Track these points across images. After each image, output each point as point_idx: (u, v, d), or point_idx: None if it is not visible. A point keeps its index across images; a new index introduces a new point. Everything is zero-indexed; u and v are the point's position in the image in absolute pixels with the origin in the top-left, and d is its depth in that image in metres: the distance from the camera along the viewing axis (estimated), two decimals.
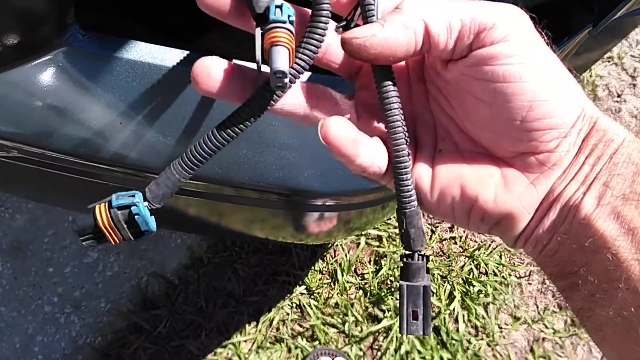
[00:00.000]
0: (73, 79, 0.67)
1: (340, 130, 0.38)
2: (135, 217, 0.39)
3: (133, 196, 0.40)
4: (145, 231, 0.40)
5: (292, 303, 1.65)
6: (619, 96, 2.01)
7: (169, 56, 0.67)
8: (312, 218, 0.94)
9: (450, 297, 1.65)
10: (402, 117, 0.41)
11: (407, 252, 0.42)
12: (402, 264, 0.43)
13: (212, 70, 0.37)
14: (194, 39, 1.07)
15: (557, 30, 0.84)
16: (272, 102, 0.39)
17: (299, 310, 1.65)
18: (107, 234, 0.39)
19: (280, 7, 0.37)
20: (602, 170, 0.37)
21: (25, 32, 0.63)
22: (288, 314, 1.64)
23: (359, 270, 1.69)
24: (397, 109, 0.41)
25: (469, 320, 1.64)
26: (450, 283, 1.67)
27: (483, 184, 0.40)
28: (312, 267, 1.68)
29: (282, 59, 0.36)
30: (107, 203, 0.39)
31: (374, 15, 0.39)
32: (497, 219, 0.41)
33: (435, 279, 1.67)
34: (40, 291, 1.66)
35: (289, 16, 0.37)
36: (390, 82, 0.40)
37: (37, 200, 1.58)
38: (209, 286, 1.66)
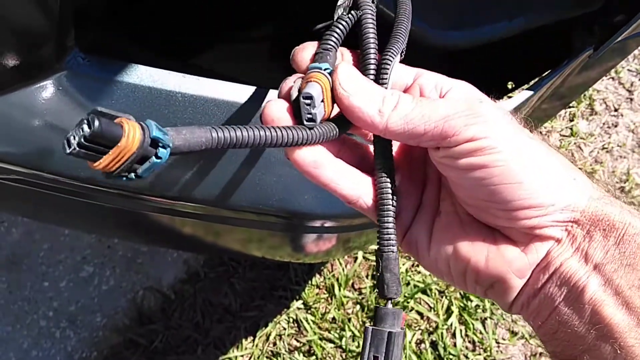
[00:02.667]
0: (73, 102, 0.67)
1: (304, 150, 0.42)
2: (153, 160, 0.33)
3: (165, 134, 0.33)
4: (137, 177, 0.34)
5: (289, 318, 1.65)
6: (616, 110, 2.02)
7: (169, 80, 0.67)
8: (311, 239, 0.94)
9: (448, 312, 1.65)
10: (392, 164, 0.45)
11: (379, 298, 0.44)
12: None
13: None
14: (192, 57, 1.06)
15: (558, 53, 0.84)
16: (302, 136, 0.40)
17: (295, 325, 1.64)
18: (113, 155, 0.32)
19: (319, 66, 0.42)
20: (608, 256, 0.38)
21: (26, 54, 0.63)
22: (285, 329, 1.63)
23: (357, 284, 1.69)
24: (385, 153, 0.44)
25: (467, 335, 1.63)
26: (448, 298, 1.66)
27: (475, 246, 0.42)
28: (309, 282, 1.68)
29: (313, 88, 0.40)
30: (143, 127, 0.33)
31: (386, 79, 0.43)
32: (491, 282, 0.42)
33: (434, 294, 1.66)
34: (35, 305, 1.65)
35: (326, 69, 0.42)
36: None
37: (32, 218, 1.57)
38: (206, 301, 1.65)
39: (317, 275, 1.69)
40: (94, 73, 0.67)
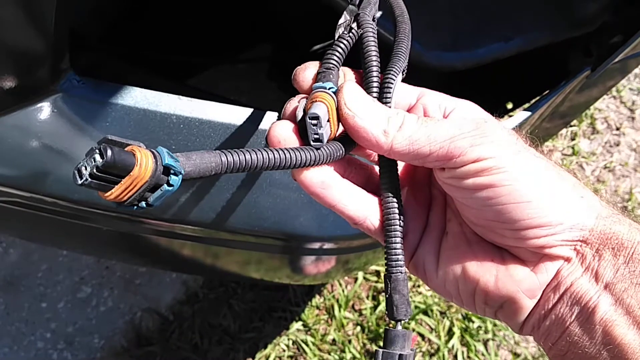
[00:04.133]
0: (69, 124, 0.66)
1: (312, 171, 0.41)
2: (165, 188, 0.32)
3: (176, 161, 0.33)
4: (148, 205, 0.33)
5: (288, 339, 1.63)
6: (617, 129, 2.02)
7: (164, 102, 0.66)
8: (309, 261, 0.93)
9: (450, 334, 1.63)
10: (398, 184, 0.44)
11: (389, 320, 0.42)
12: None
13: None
14: (190, 78, 1.07)
15: (556, 73, 0.84)
16: (307, 156, 0.40)
17: (295, 346, 1.63)
18: (125, 185, 0.31)
19: (323, 86, 0.41)
20: (619, 275, 0.38)
21: (21, 77, 0.63)
22: (284, 351, 1.61)
23: (357, 306, 1.67)
24: (391, 174, 0.44)
25: (469, 357, 1.61)
26: (450, 319, 1.64)
27: (484, 266, 0.42)
28: (309, 303, 1.66)
29: (319, 108, 0.39)
30: (155, 155, 0.32)
31: (390, 98, 0.43)
32: (500, 303, 0.42)
33: (435, 315, 1.65)
34: (33, 327, 1.64)
35: (330, 88, 0.41)
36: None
37: (29, 240, 1.56)
38: (204, 322, 1.63)
39: (317, 296, 1.68)
40: (89, 95, 0.66)
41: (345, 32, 0.47)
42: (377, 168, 0.46)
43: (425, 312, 1.65)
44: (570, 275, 0.39)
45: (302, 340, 1.61)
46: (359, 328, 1.64)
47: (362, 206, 0.43)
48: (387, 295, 0.43)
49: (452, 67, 0.78)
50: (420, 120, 0.40)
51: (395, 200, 0.43)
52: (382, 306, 1.64)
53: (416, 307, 1.64)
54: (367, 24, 0.47)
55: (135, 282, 1.69)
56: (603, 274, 0.38)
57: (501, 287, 0.41)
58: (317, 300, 1.67)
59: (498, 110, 0.96)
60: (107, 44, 0.90)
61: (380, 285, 1.68)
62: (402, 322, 0.42)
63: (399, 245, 0.43)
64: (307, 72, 0.44)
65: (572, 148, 1.98)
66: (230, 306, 1.65)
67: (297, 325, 1.64)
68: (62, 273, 1.69)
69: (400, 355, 0.41)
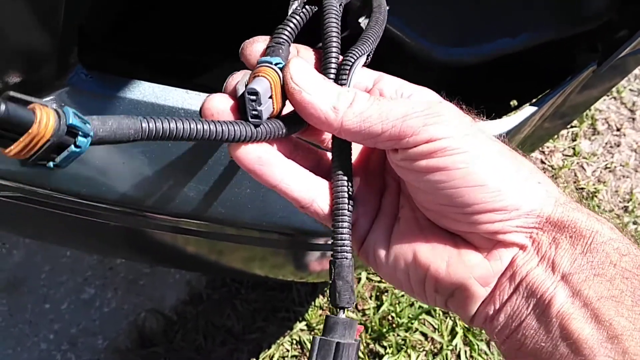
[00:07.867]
0: None
1: (249, 146, 0.39)
2: (71, 149, 0.31)
3: (86, 123, 0.31)
4: (56, 166, 0.31)
5: (292, 339, 1.62)
6: (618, 130, 2.02)
7: (172, 96, 0.66)
8: (314, 256, 0.93)
9: (452, 333, 1.63)
10: (350, 167, 0.42)
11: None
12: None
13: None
14: (197, 77, 1.06)
15: (561, 69, 0.84)
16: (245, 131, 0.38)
17: (299, 346, 1.62)
18: (25, 142, 0.29)
19: (269, 60, 0.39)
20: (576, 265, 0.36)
21: (28, 72, 0.63)
22: (288, 351, 1.61)
23: (360, 305, 1.67)
24: (343, 155, 0.42)
25: (471, 357, 1.61)
26: (452, 319, 1.64)
27: (435, 251, 0.40)
28: (313, 303, 1.66)
29: (259, 83, 0.37)
30: (59, 114, 0.30)
31: (345, 78, 0.41)
32: (451, 290, 0.40)
33: (438, 315, 1.64)
34: (36, 328, 1.63)
35: (277, 63, 0.39)
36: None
37: (33, 238, 1.56)
38: (208, 323, 1.63)
39: (321, 296, 1.67)
40: (97, 89, 0.66)
41: (299, 8, 0.45)
42: (328, 154, 0.44)
43: (428, 312, 1.64)
44: (525, 264, 0.38)
45: (306, 340, 1.61)
46: (362, 328, 1.63)
47: (308, 188, 0.41)
48: (330, 281, 0.41)
49: (460, 62, 0.78)
50: (372, 98, 0.39)
51: (345, 182, 0.42)
52: (386, 306, 1.64)
53: (420, 307, 1.64)
54: (329, 3, 0.44)
55: (138, 283, 1.69)
56: (560, 264, 0.36)
57: (452, 273, 0.39)
58: (320, 300, 1.67)
59: (503, 107, 0.97)
60: (112, 42, 0.90)
61: (384, 285, 1.67)
62: (346, 309, 0.40)
63: (346, 230, 0.41)
64: (255, 46, 0.42)
65: (573, 149, 1.98)
66: (234, 306, 1.65)
67: (300, 325, 1.63)
68: (66, 274, 1.69)
69: (338, 343, 0.38)
